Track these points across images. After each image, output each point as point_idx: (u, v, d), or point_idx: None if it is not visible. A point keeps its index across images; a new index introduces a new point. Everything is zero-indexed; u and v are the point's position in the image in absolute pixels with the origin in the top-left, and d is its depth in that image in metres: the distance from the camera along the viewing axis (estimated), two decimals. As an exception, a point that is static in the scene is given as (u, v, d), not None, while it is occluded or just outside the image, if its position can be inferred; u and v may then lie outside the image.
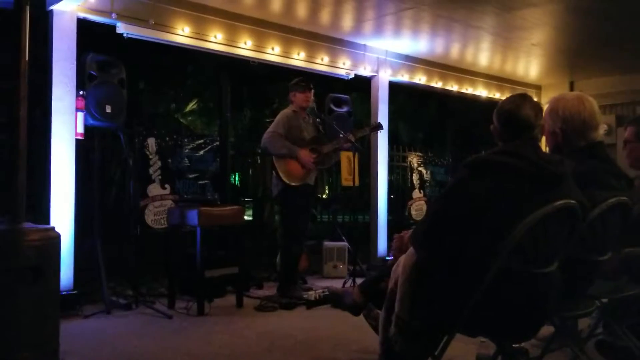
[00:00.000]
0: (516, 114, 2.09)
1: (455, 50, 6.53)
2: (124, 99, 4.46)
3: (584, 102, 2.38)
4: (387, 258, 6.22)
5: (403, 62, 6.63)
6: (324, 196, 8.63)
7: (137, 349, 3.33)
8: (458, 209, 1.92)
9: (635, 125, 3.02)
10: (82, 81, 4.27)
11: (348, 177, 6.22)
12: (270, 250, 5.91)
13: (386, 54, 6.43)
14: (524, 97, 2.15)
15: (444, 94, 7.48)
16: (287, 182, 4.50)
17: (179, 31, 4.90)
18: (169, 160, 5.40)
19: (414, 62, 6.75)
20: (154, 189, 5.23)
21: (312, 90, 4.67)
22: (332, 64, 6.00)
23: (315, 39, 5.82)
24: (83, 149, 4.46)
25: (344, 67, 6.11)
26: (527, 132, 2.06)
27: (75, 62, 4.24)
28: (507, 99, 2.20)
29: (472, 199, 1.90)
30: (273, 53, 5.53)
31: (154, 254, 5.01)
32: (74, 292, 4.14)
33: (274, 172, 4.59)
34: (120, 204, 5.31)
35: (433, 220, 2.01)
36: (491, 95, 7.75)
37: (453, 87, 7.32)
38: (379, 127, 5.02)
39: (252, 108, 9.43)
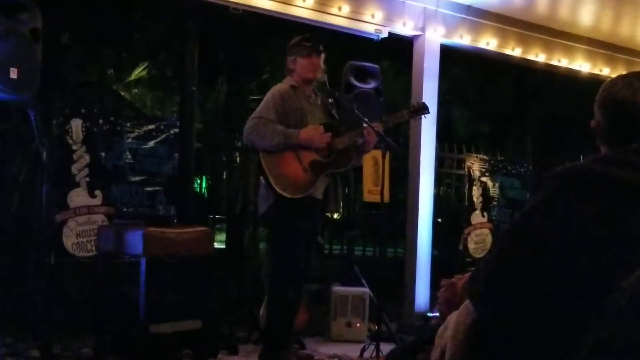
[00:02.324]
0: (632, 104, 2.10)
1: (542, 1, 6.62)
2: (37, 59, 4.45)
3: None
4: (430, 315, 6.19)
5: (463, 16, 6.68)
6: (336, 217, 8.64)
7: None
8: (540, 243, 1.92)
9: None
10: (-26, 31, 4.35)
11: (373, 189, 6.23)
12: (252, 295, 5.88)
13: (437, 4, 6.48)
14: (646, 79, 2.16)
15: (525, 67, 7.46)
16: (281, 192, 4.45)
17: (125, -41, 5.01)
18: (102, 154, 5.39)
19: (479, 16, 6.77)
20: (78, 197, 5.23)
21: (323, 55, 4.66)
22: (354, 16, 6.02)
23: (330, -23, 5.99)
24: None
25: (373, 22, 6.13)
26: (648, 132, 2.08)
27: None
28: (618, 80, 2.17)
29: (561, 229, 1.91)
30: (265, -4, 5.67)
31: (74, 295, 5.01)
32: (-49, 349, 4.20)
33: (261, 177, 4.57)
34: (26, 218, 5.32)
35: (502, 259, 2.00)
36: (596, 71, 7.78)
37: (538, 56, 7.26)
38: (423, 109, 4.96)
39: (231, 79, 9.44)
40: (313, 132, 4.63)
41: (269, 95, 4.71)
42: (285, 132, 4.56)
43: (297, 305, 4.73)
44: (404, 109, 5.06)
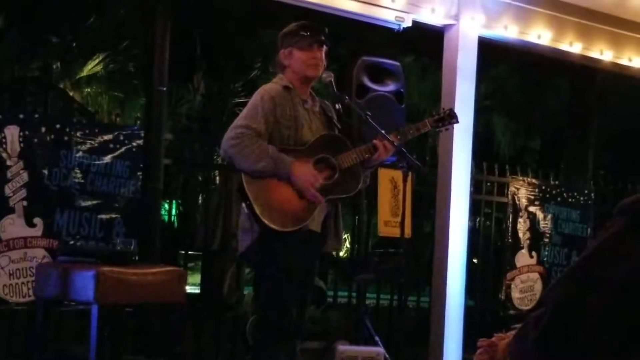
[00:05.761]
0: None
1: (610, -17, 6.59)
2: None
3: None
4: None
5: (508, 0, 6.69)
6: (341, 255, 8.60)
7: None
8: (607, 295, 1.89)
9: None
10: None
11: (392, 220, 6.21)
12: (233, 355, 5.83)
13: (475, -15, 6.42)
14: None
15: (586, 67, 7.47)
16: (270, 224, 4.50)
17: None
18: (45, 172, 5.41)
19: (529, 1, 6.81)
20: (13, 227, 5.24)
21: (325, 47, 4.70)
22: (367, 0, 6.08)
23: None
24: None
25: (392, 7, 6.20)
26: None
27: None
28: None
29: (636, 278, 1.89)
30: (255, -26, 5.67)
31: (4, 353, 4.95)
32: None
33: (243, 204, 4.59)
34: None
35: (557, 314, 1.97)
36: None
37: (604, 53, 7.25)
38: (450, 117, 5.01)
39: (210, 77, 9.42)
40: (307, 174, 4.61)
41: (256, 97, 4.67)
42: (277, 158, 4.52)
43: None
44: (430, 117, 5.08)
